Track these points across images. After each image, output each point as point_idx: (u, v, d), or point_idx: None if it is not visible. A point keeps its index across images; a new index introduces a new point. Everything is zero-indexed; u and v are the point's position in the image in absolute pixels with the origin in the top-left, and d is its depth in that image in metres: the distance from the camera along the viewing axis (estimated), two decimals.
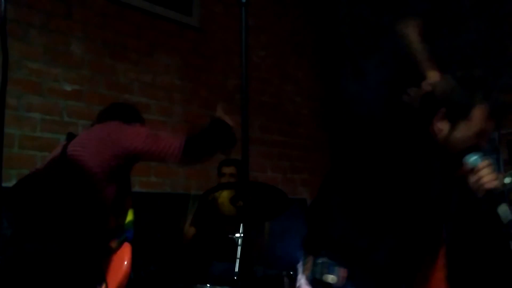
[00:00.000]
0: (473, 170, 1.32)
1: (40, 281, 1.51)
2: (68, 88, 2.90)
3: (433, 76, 1.74)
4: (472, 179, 1.32)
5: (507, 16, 3.88)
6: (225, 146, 1.74)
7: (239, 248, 2.06)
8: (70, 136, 1.79)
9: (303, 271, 1.43)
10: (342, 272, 1.35)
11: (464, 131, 1.36)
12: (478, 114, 1.34)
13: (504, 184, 2.04)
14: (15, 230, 1.62)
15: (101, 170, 1.60)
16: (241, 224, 2.12)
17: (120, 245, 1.84)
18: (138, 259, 2.79)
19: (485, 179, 1.30)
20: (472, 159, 1.33)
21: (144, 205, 3.15)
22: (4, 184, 1.00)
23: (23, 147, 2.66)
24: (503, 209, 1.29)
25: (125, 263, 1.81)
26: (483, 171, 1.31)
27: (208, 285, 2.14)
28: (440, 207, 1.40)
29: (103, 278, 1.67)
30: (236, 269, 2.03)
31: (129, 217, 1.94)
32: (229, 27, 3.80)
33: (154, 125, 3.32)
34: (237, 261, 2.03)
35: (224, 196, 3.05)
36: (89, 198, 1.60)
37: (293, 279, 2.64)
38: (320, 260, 1.40)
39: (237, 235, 2.10)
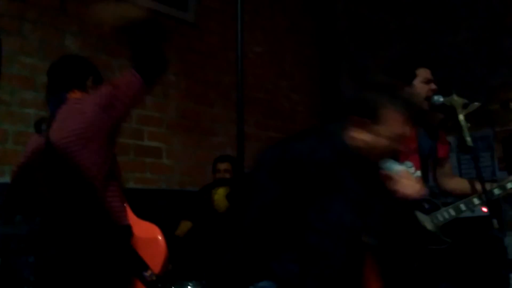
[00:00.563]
0: (392, 178, 1.31)
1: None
2: None
3: None
4: (392, 186, 1.31)
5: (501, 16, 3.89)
6: (162, 36, 1.67)
7: None
8: (38, 125, 1.72)
9: None
10: None
11: (378, 137, 1.33)
12: (388, 117, 1.32)
13: (493, 194, 2.06)
14: (39, 232, 1.62)
15: (98, 157, 1.59)
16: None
17: None
18: None
19: (403, 188, 1.29)
20: (388, 165, 1.33)
21: (139, 202, 3.14)
22: None
23: (17, 143, 2.64)
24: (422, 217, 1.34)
25: (159, 240, 1.77)
26: (401, 180, 1.30)
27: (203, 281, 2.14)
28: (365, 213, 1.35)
29: (145, 265, 1.65)
30: None
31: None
32: (225, 23, 3.78)
33: (149, 121, 3.31)
34: None
35: (220, 193, 3.06)
36: (91, 188, 1.58)
37: None
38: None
39: None
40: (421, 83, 2.18)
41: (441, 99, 2.09)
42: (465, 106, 1.94)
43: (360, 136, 1.34)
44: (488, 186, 1.97)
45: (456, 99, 1.97)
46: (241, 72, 1.13)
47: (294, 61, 4.43)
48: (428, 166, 2.24)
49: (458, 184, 2.28)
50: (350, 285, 1.29)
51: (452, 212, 2.13)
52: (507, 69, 3.75)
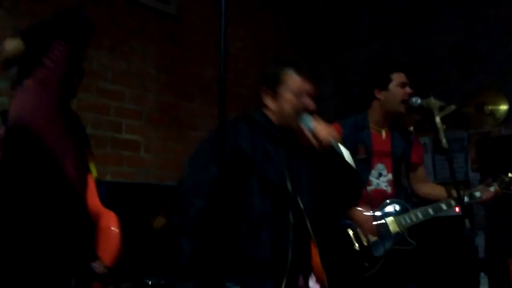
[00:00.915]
0: (310, 132, 1.46)
1: (28, 271, 1.48)
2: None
3: None
4: (312, 140, 1.45)
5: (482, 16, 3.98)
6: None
7: None
8: (3, 115, 1.75)
9: None
10: None
11: (282, 99, 1.53)
12: (287, 78, 1.53)
13: (463, 202, 2.12)
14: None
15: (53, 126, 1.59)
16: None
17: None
18: None
19: (322, 135, 1.44)
20: (304, 119, 1.48)
21: (116, 195, 3.10)
22: None
23: None
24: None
25: (114, 231, 1.71)
26: (318, 129, 1.45)
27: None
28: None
29: (94, 255, 1.62)
30: None
31: (94, 172, 1.88)
32: (207, 17, 3.75)
33: (128, 114, 3.26)
34: None
35: None
36: (54, 168, 1.57)
37: None
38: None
39: None
40: (396, 87, 2.25)
41: (419, 101, 2.15)
42: (441, 109, 1.99)
43: (270, 105, 1.55)
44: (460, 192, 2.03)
45: (433, 102, 2.02)
46: (223, 67, 1.12)
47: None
48: (401, 170, 2.29)
49: (432, 189, 2.35)
50: (297, 244, 1.43)
51: (420, 216, 2.19)
52: (482, 73, 3.85)
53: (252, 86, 4.16)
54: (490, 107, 3.71)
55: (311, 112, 1.49)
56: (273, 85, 1.55)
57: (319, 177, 1.53)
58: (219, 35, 1.13)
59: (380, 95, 2.29)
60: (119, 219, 1.78)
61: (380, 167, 2.23)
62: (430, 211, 2.19)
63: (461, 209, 1.88)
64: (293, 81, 1.52)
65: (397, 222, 2.19)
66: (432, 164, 4.07)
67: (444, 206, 2.20)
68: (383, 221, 2.18)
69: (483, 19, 3.90)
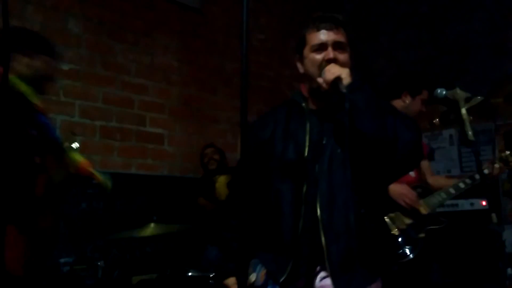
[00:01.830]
0: (321, 78, 1.37)
1: None
2: (65, 67, 2.87)
3: None
4: (322, 83, 1.36)
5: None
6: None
7: None
8: None
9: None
10: (263, 271, 1.40)
11: (307, 60, 1.44)
12: (307, 38, 1.46)
13: (459, 188, 2.31)
14: None
15: None
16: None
17: None
18: (134, 241, 2.82)
19: (327, 75, 1.34)
20: (323, 71, 1.37)
21: (141, 187, 3.15)
22: None
23: None
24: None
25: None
26: (326, 70, 1.36)
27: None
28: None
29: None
30: None
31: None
32: (230, 9, 3.75)
33: (152, 107, 3.30)
34: None
35: (221, 181, 3.07)
36: None
37: None
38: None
39: None
40: (419, 101, 2.38)
41: (444, 92, 2.11)
42: (467, 100, 1.94)
43: (301, 71, 1.51)
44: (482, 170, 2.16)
45: (459, 93, 1.96)
46: (245, 59, 1.12)
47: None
48: None
49: (435, 181, 2.53)
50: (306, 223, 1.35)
51: (444, 195, 2.36)
52: (511, 62, 3.73)
53: (274, 78, 4.15)
54: None
55: (331, 61, 1.38)
56: (300, 48, 1.49)
57: (354, 140, 1.31)
58: (241, 27, 1.12)
59: (406, 99, 2.40)
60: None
61: None
62: (451, 190, 2.36)
63: (488, 202, 1.85)
64: (311, 37, 1.44)
65: (426, 203, 2.33)
66: (458, 156, 3.99)
67: (462, 185, 2.37)
68: None
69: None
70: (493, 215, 1.77)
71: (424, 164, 2.52)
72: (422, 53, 4.19)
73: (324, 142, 1.39)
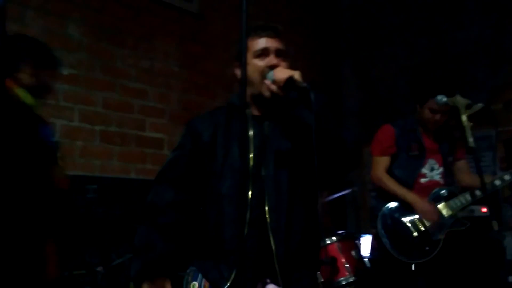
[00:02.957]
0: (269, 80, 1.37)
1: None
2: (65, 72, 2.87)
3: None
4: (272, 87, 1.35)
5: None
6: None
7: None
8: None
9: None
10: (204, 281, 1.36)
11: (249, 67, 1.36)
12: (249, 45, 1.41)
13: (494, 185, 2.28)
14: None
15: None
16: None
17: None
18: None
19: (277, 75, 1.34)
20: (268, 76, 1.37)
21: (140, 192, 3.14)
22: None
23: None
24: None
25: None
26: (275, 72, 1.36)
27: None
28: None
29: None
30: None
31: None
32: (229, 15, 3.76)
33: (151, 112, 3.30)
34: None
35: None
36: None
37: None
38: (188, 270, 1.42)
39: None
40: (428, 110, 2.47)
41: (445, 99, 2.12)
42: (468, 107, 1.95)
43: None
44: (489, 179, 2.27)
45: (460, 100, 1.97)
46: (244, 64, 1.12)
47: (296, 55, 4.41)
48: (449, 164, 2.57)
49: (474, 181, 2.53)
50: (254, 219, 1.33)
51: (469, 197, 2.45)
52: (511, 69, 3.73)
53: None
54: None
55: (274, 68, 1.38)
56: (241, 56, 1.42)
57: (304, 143, 1.35)
58: (240, 32, 1.12)
59: (418, 108, 2.53)
60: None
61: (432, 162, 2.52)
62: (477, 192, 2.42)
63: (489, 210, 1.85)
64: (254, 43, 1.43)
65: (449, 206, 2.44)
66: None
67: (489, 186, 2.40)
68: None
69: (510, 14, 3.77)
70: (494, 223, 1.77)
71: (463, 164, 2.60)
72: (421, 59, 4.19)
73: (268, 146, 1.40)
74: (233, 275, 1.31)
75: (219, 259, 1.34)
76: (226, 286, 1.30)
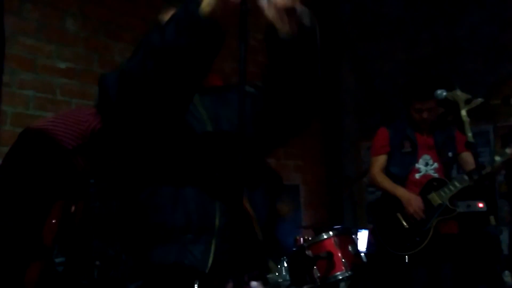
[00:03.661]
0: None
1: None
2: (62, 65, 2.85)
3: None
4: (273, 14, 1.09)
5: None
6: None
7: None
8: None
9: None
10: None
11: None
12: None
13: (494, 161, 2.31)
14: None
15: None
16: None
17: None
18: None
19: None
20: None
21: None
22: None
23: (15, 124, 2.62)
24: None
25: None
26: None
27: None
28: None
29: None
30: None
31: None
32: None
33: None
34: None
35: None
36: None
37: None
38: None
39: None
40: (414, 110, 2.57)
41: (444, 93, 2.11)
42: (467, 102, 1.95)
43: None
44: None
45: (459, 94, 1.97)
46: (243, 59, 1.11)
47: None
48: (447, 160, 2.61)
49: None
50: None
51: (457, 184, 2.50)
52: (509, 65, 3.74)
53: None
54: None
55: None
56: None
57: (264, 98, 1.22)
58: (240, 27, 1.11)
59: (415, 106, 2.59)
60: None
61: (426, 157, 2.60)
62: (465, 177, 2.48)
63: (486, 205, 1.85)
64: None
65: (438, 195, 2.51)
66: None
67: (465, 177, 2.49)
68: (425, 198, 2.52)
69: (509, 8, 3.77)
70: (492, 218, 1.77)
71: (468, 156, 2.62)
72: (420, 54, 4.19)
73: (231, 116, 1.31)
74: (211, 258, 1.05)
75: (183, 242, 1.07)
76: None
